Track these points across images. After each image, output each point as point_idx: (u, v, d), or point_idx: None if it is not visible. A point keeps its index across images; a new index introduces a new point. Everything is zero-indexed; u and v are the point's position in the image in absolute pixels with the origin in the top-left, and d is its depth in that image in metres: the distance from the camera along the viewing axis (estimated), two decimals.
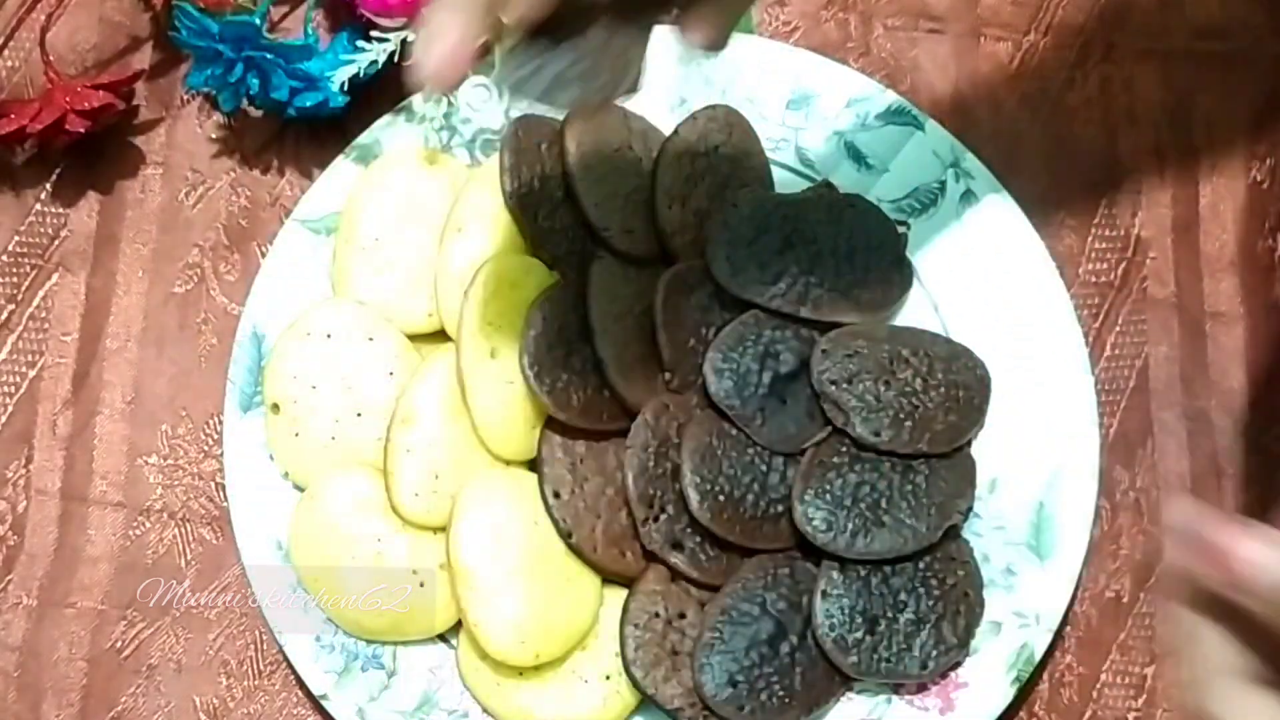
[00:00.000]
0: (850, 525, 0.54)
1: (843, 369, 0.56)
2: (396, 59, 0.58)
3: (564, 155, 0.57)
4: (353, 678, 0.55)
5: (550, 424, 0.55)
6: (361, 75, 0.58)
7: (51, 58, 0.61)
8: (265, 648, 0.57)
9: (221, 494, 0.58)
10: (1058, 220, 0.61)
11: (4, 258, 0.62)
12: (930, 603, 0.54)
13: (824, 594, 0.53)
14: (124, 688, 0.57)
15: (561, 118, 0.58)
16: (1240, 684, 0.33)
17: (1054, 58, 0.64)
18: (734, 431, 0.55)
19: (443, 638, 0.56)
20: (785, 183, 0.61)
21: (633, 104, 0.60)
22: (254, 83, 0.59)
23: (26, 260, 0.62)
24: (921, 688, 0.54)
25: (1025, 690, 0.55)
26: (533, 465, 0.55)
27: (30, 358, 0.61)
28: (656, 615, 0.54)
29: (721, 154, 0.59)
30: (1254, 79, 0.64)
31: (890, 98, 0.61)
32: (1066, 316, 0.58)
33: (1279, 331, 0.60)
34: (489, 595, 0.52)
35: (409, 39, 0.58)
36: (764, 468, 0.55)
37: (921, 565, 0.54)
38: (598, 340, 0.55)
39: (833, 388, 0.55)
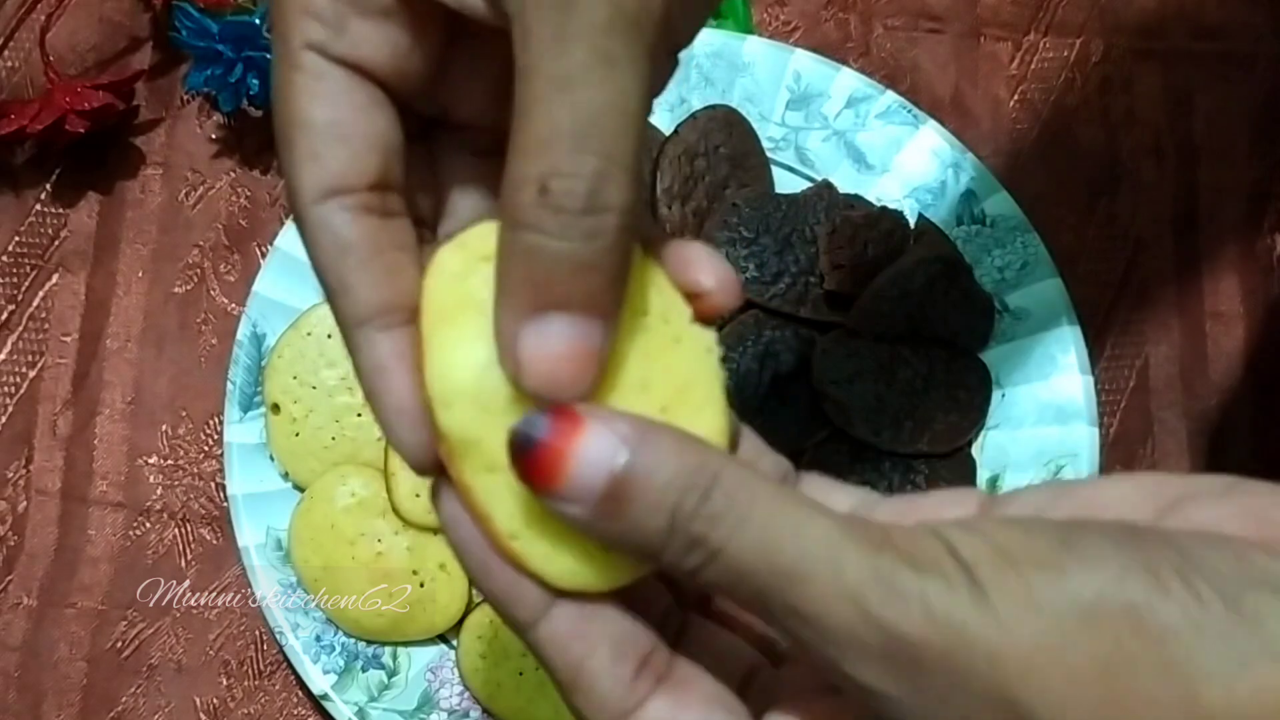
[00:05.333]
0: None
1: (843, 369, 0.56)
2: None
3: None
4: (353, 678, 0.55)
5: None
6: None
7: (51, 58, 0.61)
8: (265, 648, 0.57)
9: (222, 494, 0.58)
10: (1057, 219, 0.61)
11: (4, 258, 0.62)
12: None
13: None
14: (124, 688, 0.57)
15: None
16: None
17: (1054, 58, 0.64)
18: None
19: (443, 638, 0.56)
20: (785, 182, 0.61)
21: None
22: (254, 83, 0.59)
23: (27, 260, 0.62)
24: None
25: None
26: None
27: (30, 358, 0.61)
28: None
29: (721, 154, 0.59)
30: (1253, 78, 0.64)
31: (890, 98, 0.61)
32: (1066, 316, 0.58)
33: (1279, 331, 0.60)
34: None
35: None
36: None
37: None
38: None
39: (833, 387, 0.55)
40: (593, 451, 0.24)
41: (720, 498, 0.24)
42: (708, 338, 0.27)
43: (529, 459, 0.24)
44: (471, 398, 0.25)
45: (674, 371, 0.27)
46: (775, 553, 0.23)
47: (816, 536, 0.23)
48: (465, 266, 0.26)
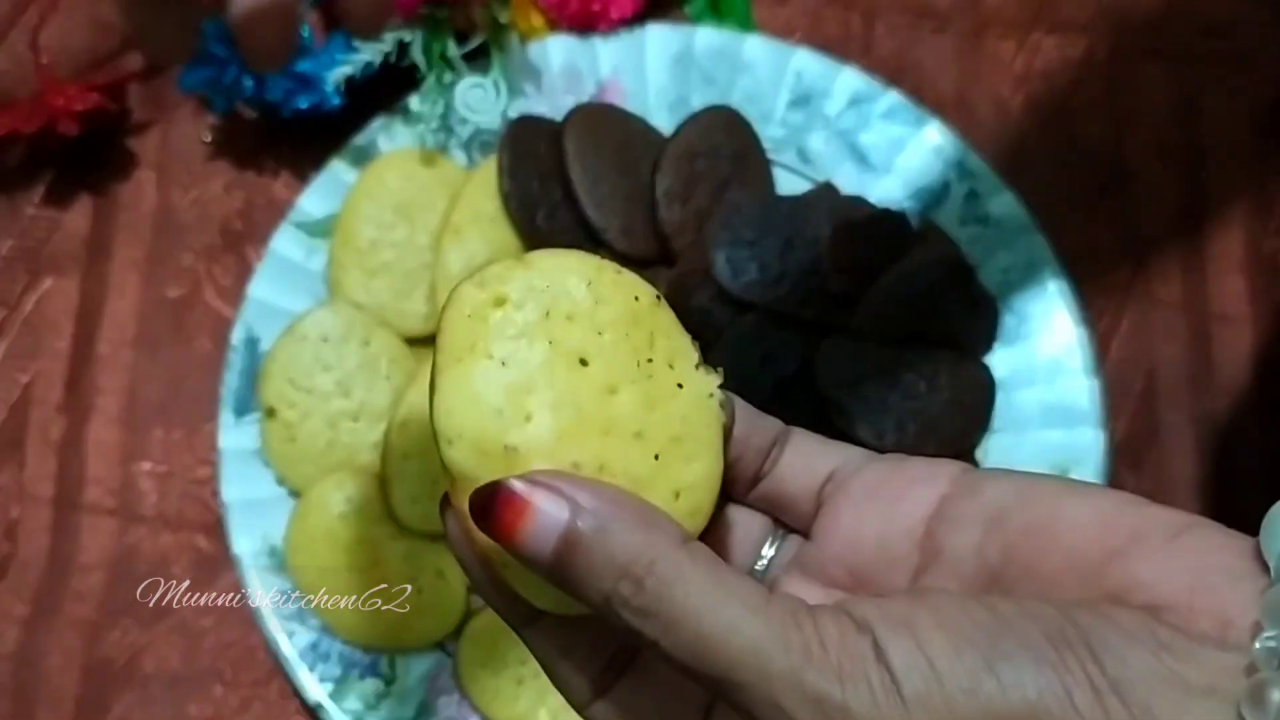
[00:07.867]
0: None
1: (846, 371, 0.55)
2: (392, 60, 0.57)
3: (563, 156, 0.57)
4: (349, 686, 0.54)
5: None
6: (357, 76, 0.58)
7: (44, 59, 0.60)
8: (261, 656, 0.57)
9: (216, 500, 0.58)
10: (1062, 220, 0.61)
11: None
12: None
13: None
14: (118, 697, 0.56)
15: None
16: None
17: (1058, 57, 0.64)
18: None
19: (440, 645, 0.55)
20: (787, 183, 0.60)
21: (634, 104, 0.60)
22: (247, 84, 0.58)
23: (19, 264, 0.62)
24: None
25: None
26: None
27: (22, 363, 0.60)
28: None
29: (722, 154, 0.58)
30: (1260, 78, 0.63)
31: (893, 97, 0.60)
32: (1072, 318, 0.57)
33: None
34: None
35: (405, 40, 0.57)
36: None
37: None
38: None
39: (836, 390, 0.55)
40: (543, 520, 0.27)
41: (652, 589, 0.26)
42: (710, 383, 0.29)
43: (490, 524, 0.27)
44: (472, 440, 0.28)
45: (672, 419, 0.29)
46: (706, 657, 0.26)
47: (745, 645, 0.25)
48: (479, 309, 0.28)
